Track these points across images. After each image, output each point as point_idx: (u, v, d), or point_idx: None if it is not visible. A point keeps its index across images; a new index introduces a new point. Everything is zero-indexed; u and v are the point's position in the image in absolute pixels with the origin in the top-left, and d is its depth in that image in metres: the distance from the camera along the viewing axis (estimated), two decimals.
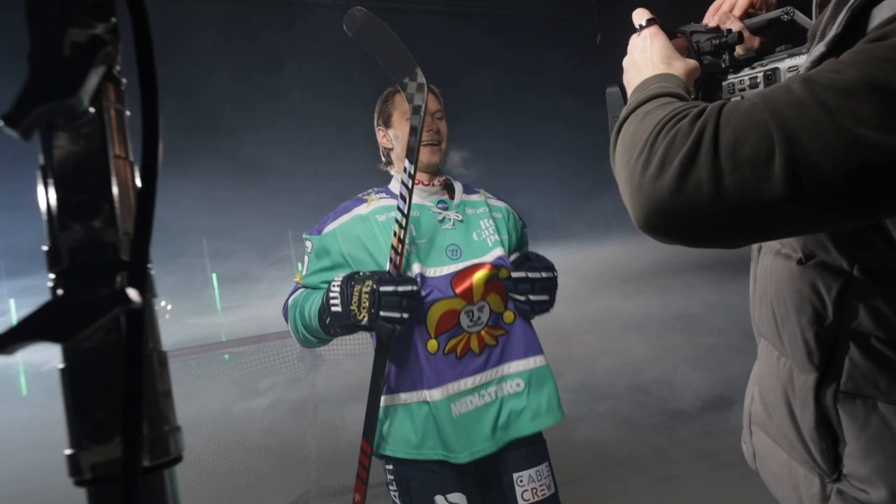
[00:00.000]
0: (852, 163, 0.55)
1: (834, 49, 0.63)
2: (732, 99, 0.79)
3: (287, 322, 1.69)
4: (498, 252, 1.65)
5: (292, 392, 3.78)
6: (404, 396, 1.59)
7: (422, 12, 8.70)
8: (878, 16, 0.60)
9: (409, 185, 1.56)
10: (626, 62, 0.86)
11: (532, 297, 1.61)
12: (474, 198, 1.77)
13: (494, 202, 1.80)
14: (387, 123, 1.72)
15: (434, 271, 1.59)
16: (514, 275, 1.61)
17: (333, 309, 1.49)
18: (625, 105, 0.78)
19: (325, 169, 8.23)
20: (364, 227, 1.62)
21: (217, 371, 3.87)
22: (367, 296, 1.47)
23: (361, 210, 1.66)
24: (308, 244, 1.68)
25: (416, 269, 1.58)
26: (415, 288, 1.48)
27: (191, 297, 7.85)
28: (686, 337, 5.25)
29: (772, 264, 0.81)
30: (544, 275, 1.63)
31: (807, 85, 0.58)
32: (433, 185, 1.71)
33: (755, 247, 0.88)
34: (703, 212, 0.60)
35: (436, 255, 1.61)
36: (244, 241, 7.69)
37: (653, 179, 0.63)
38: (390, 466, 1.62)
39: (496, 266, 1.62)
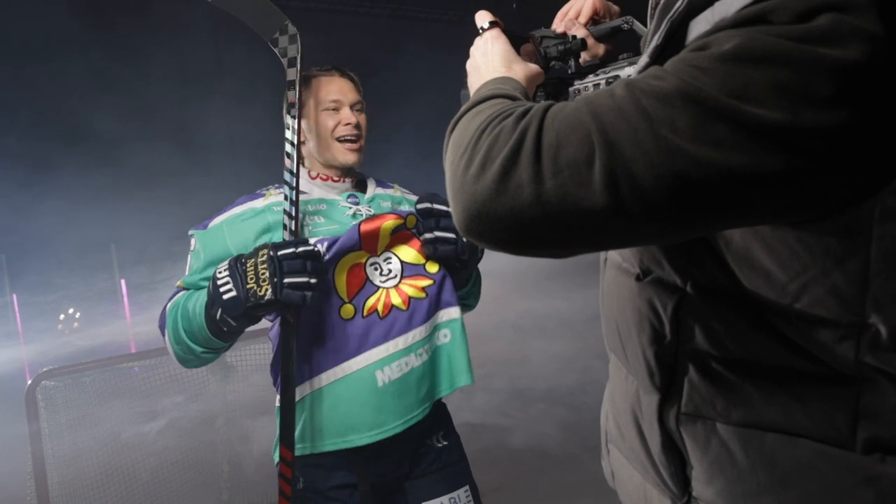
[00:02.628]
0: (668, 173, 0.53)
1: (657, 60, 0.62)
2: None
3: (164, 335, 1.43)
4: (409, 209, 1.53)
5: (200, 407, 3.55)
6: (324, 378, 1.39)
7: (360, 14, 8.48)
8: (696, 28, 0.60)
9: (294, 141, 1.40)
10: (468, 65, 0.84)
11: (438, 234, 1.44)
12: (389, 192, 1.64)
13: (412, 197, 1.67)
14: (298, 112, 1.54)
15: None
16: (419, 206, 1.46)
17: (227, 296, 1.27)
18: None
19: (229, 167, 7.86)
20: (257, 219, 1.44)
21: (118, 386, 3.58)
22: (264, 266, 1.27)
23: (256, 203, 1.48)
24: (192, 241, 1.48)
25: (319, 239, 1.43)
26: (316, 247, 1.32)
27: (97, 306, 7.31)
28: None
29: (614, 279, 0.78)
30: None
31: (629, 90, 0.56)
32: (343, 180, 1.56)
33: (601, 258, 0.86)
34: (523, 217, 0.57)
35: None
36: (153, 248, 7.23)
37: (474, 180, 0.60)
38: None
39: (403, 215, 1.48)
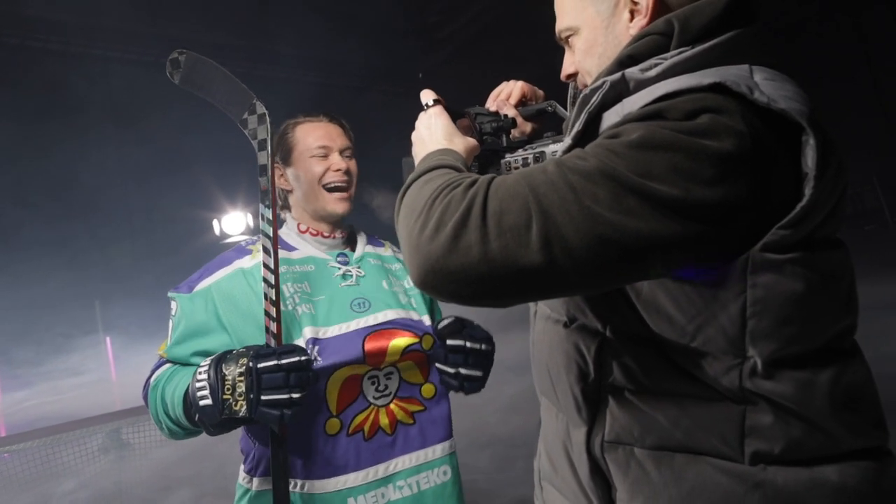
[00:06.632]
0: (592, 235, 0.65)
1: (578, 143, 0.76)
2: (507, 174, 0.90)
3: (148, 408, 1.31)
4: (425, 319, 1.41)
5: (89, 496, 3.17)
6: (297, 484, 1.26)
7: (249, 75, 8.45)
8: (608, 119, 0.76)
9: (271, 234, 1.25)
10: (414, 136, 0.94)
11: (463, 371, 1.34)
12: (381, 250, 1.55)
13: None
14: (285, 161, 1.45)
15: (339, 328, 1.32)
16: (450, 342, 1.35)
17: (203, 403, 1.15)
18: None
19: (121, 231, 7.42)
20: (246, 284, 1.31)
21: None
22: (241, 378, 1.14)
23: (244, 263, 1.34)
24: (173, 305, 1.34)
25: (307, 333, 1.28)
26: (303, 358, 1.17)
27: None
28: None
29: (544, 328, 0.89)
30: (484, 347, 1.37)
31: (559, 168, 0.69)
32: (334, 236, 1.46)
33: (531, 312, 0.96)
34: (472, 272, 0.67)
35: (338, 312, 1.34)
36: (39, 315, 6.60)
37: (428, 241, 0.69)
38: None
39: (419, 333, 1.36)
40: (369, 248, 1.52)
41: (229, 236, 6.05)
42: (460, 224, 0.68)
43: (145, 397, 1.32)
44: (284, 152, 1.46)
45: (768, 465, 0.71)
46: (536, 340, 0.93)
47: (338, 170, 1.42)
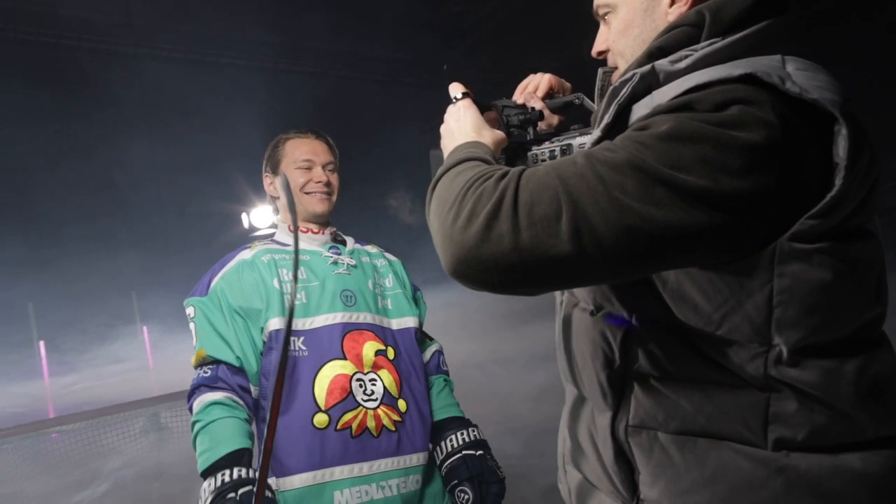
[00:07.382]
0: (621, 225, 0.66)
1: (607, 135, 0.77)
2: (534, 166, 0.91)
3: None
4: (394, 323, 1.57)
5: (133, 474, 3.37)
6: (284, 482, 1.34)
7: (274, 70, 8.54)
8: (637, 111, 0.76)
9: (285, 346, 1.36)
10: (442, 129, 0.95)
11: None
12: (369, 248, 1.71)
13: (390, 256, 1.74)
14: (274, 171, 1.63)
15: (325, 319, 1.47)
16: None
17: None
18: None
19: (156, 225, 7.66)
20: (250, 272, 1.50)
21: (37, 456, 3.35)
22: None
23: (245, 255, 1.54)
24: (190, 310, 1.49)
25: (298, 323, 1.42)
26: None
27: (11, 369, 6.81)
28: None
29: (571, 316, 0.91)
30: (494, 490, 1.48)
31: (588, 159, 0.70)
32: (322, 233, 1.63)
33: (557, 301, 0.98)
34: (503, 261, 0.68)
35: (328, 301, 1.49)
36: (82, 306, 6.90)
37: (461, 230, 0.70)
38: None
39: (386, 342, 1.52)
40: (357, 246, 1.68)
41: (258, 229, 6.21)
42: (492, 214, 0.69)
43: (190, 409, 1.42)
44: (274, 163, 1.63)
45: (791, 452, 0.72)
46: (562, 329, 0.94)
47: (319, 181, 1.58)
